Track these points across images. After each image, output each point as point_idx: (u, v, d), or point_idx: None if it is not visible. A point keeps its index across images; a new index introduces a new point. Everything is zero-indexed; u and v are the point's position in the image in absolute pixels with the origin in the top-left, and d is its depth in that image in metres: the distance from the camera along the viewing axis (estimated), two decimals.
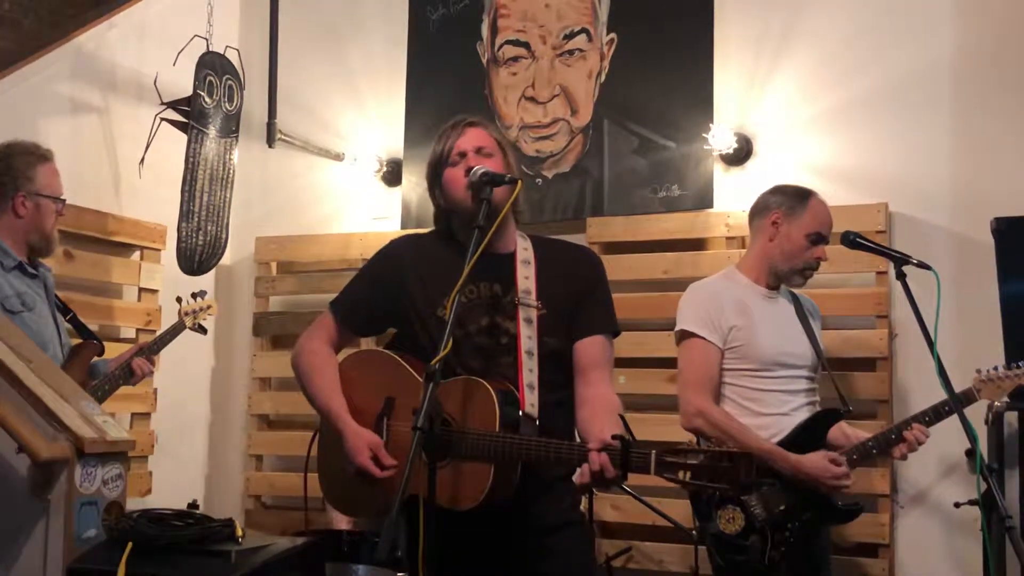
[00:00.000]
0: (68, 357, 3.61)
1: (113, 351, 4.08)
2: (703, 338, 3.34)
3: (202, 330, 4.33)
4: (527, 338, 2.57)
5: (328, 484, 2.75)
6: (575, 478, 2.64)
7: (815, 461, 3.25)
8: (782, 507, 3.24)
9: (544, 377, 2.57)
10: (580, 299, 2.67)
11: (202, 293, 4.32)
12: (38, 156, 3.58)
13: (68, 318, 3.76)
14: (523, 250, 2.69)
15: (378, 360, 2.75)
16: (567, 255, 2.79)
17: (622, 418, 2.36)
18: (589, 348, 2.65)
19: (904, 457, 3.37)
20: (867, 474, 3.96)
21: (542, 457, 2.43)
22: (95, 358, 3.78)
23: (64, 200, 3.64)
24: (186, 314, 4.22)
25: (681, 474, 2.23)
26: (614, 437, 2.32)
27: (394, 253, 2.80)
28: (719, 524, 3.25)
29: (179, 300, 4.25)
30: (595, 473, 2.33)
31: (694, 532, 3.57)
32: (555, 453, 2.41)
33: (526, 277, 2.64)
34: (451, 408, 2.47)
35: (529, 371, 2.54)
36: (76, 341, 3.76)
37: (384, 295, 2.74)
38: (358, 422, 2.60)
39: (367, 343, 4.10)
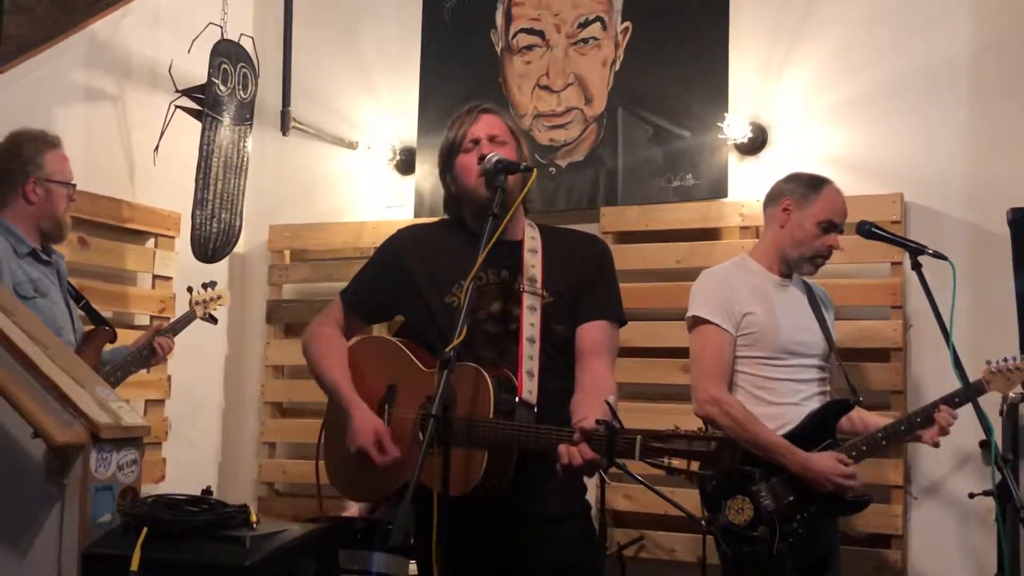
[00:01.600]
0: (81, 343, 3.62)
1: (127, 338, 4.10)
2: (717, 325, 3.32)
3: (212, 320, 4.33)
4: (529, 325, 2.56)
5: (331, 465, 2.75)
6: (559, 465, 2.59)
7: (823, 460, 3.22)
8: (791, 498, 3.22)
9: (551, 365, 2.57)
10: (584, 285, 2.67)
11: (213, 283, 4.32)
12: (46, 142, 3.59)
13: (81, 305, 3.77)
14: (531, 239, 2.68)
15: (383, 347, 2.77)
16: (573, 243, 2.79)
17: (608, 404, 2.32)
18: (589, 333, 2.64)
19: (936, 443, 3.29)
20: (880, 465, 3.96)
21: (532, 443, 2.40)
22: (107, 345, 3.79)
23: (74, 185, 3.65)
24: (196, 304, 4.22)
25: (666, 460, 2.22)
26: (599, 422, 2.28)
27: (400, 241, 2.81)
28: (728, 515, 3.24)
29: (190, 290, 4.26)
30: (568, 468, 2.31)
31: (704, 522, 3.56)
32: (545, 439, 2.37)
33: (532, 265, 2.63)
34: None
35: (529, 358, 2.52)
36: (88, 328, 3.77)
37: (390, 283, 2.75)
38: None
39: (376, 330, 4.10)
